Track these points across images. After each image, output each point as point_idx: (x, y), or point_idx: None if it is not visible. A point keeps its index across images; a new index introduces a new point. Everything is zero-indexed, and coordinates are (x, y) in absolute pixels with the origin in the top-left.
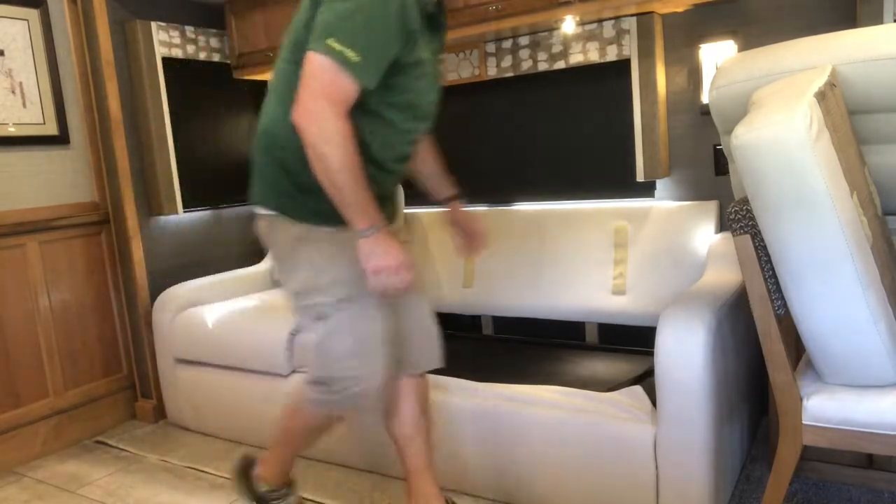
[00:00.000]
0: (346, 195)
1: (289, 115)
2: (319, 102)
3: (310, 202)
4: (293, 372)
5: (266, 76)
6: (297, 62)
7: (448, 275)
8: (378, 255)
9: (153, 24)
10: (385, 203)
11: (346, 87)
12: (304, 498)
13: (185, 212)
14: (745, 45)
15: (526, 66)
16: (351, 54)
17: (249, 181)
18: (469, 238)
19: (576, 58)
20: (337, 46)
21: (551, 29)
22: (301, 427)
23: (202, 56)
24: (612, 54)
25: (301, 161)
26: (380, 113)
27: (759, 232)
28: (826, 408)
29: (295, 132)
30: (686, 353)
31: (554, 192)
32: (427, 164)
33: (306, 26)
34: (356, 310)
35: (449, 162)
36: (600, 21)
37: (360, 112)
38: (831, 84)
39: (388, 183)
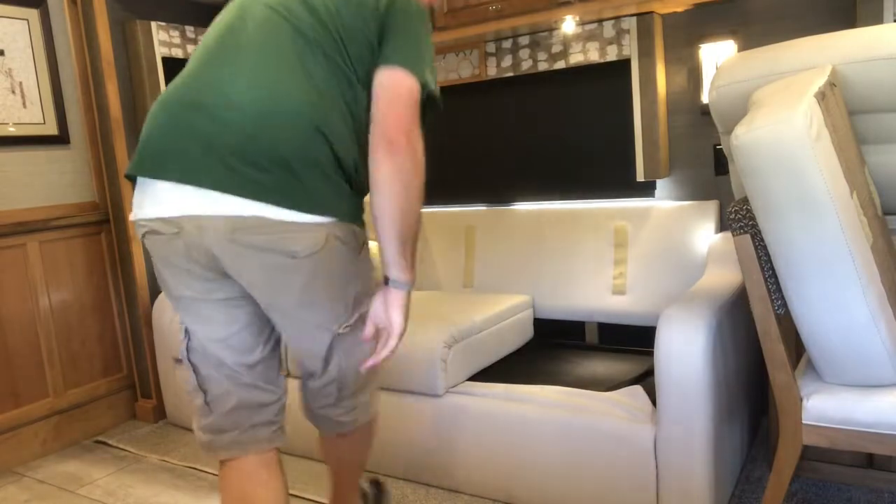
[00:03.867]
0: (414, 235)
1: (327, 100)
2: (416, 131)
3: (358, 201)
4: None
5: None
6: (332, 42)
7: (448, 275)
8: (405, 315)
9: (153, 24)
10: None
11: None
12: (304, 498)
13: None
14: (745, 45)
15: (526, 65)
16: (435, 91)
17: (276, 184)
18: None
19: (576, 58)
20: (431, 82)
21: (551, 29)
22: (365, 450)
23: None
24: (612, 54)
25: (352, 155)
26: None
27: (759, 232)
28: (826, 408)
29: (342, 122)
30: (686, 353)
31: (554, 192)
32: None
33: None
34: None
35: (448, 162)
36: (600, 21)
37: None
38: (831, 84)
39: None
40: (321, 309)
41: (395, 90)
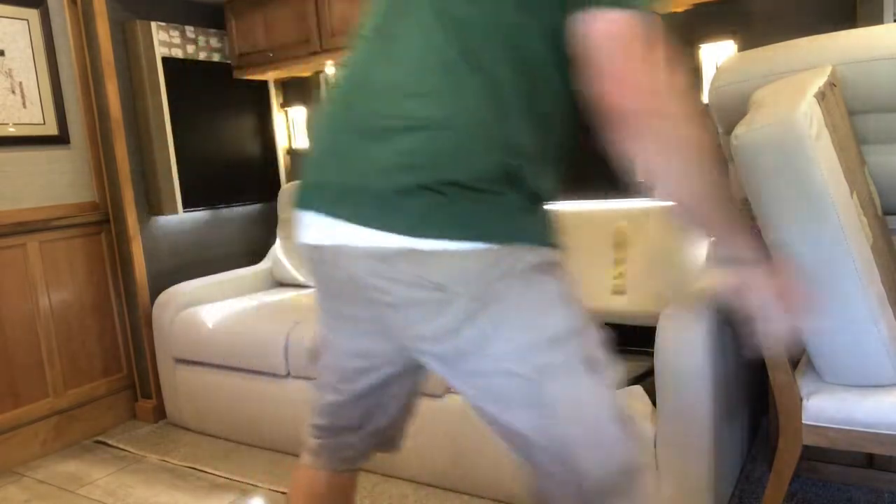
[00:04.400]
0: (715, 197)
1: (511, 96)
2: (652, 77)
3: (543, 215)
4: (289, 375)
5: (266, 76)
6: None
7: None
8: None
9: (153, 24)
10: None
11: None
12: None
13: (185, 212)
14: (745, 45)
15: None
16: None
17: (409, 209)
18: None
19: None
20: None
21: None
22: None
23: (202, 56)
24: None
25: (541, 158)
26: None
27: (759, 232)
28: (826, 408)
29: (538, 118)
30: (686, 353)
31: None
32: None
33: None
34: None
35: None
36: None
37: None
38: (831, 84)
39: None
40: (495, 345)
41: (606, 45)
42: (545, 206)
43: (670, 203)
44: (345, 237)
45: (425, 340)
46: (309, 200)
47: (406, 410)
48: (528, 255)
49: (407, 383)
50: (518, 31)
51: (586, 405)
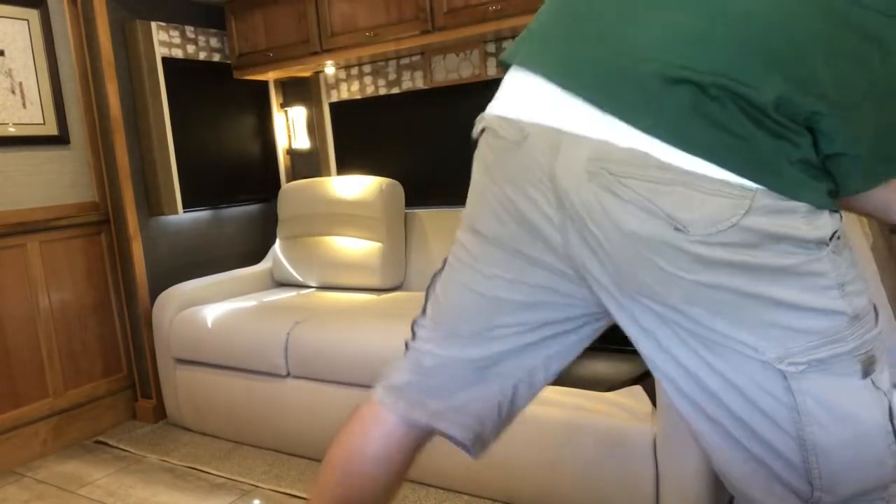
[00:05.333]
0: None
1: None
2: None
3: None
4: (288, 375)
5: (266, 76)
6: None
7: None
8: None
9: (153, 24)
10: None
11: None
12: (304, 498)
13: (185, 212)
14: None
15: None
16: None
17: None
18: None
19: None
20: None
21: None
22: None
23: (202, 56)
24: None
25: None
26: None
27: None
28: None
29: None
30: None
31: None
32: None
33: None
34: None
35: (449, 162)
36: None
37: None
38: None
39: None
40: (744, 323)
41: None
42: None
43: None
44: None
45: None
46: None
47: (528, 397)
48: None
49: (563, 355)
50: None
51: (855, 412)
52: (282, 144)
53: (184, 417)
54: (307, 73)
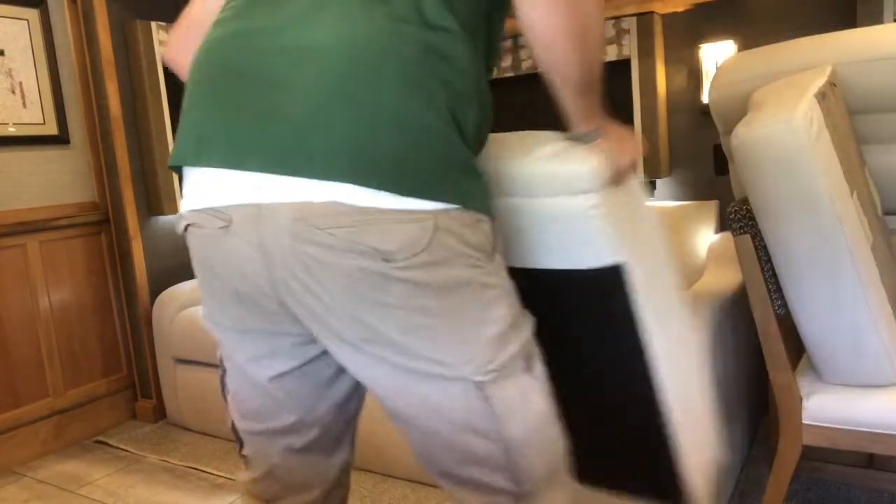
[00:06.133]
0: (598, 69)
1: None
2: None
3: (482, 177)
4: None
5: None
6: None
7: None
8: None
9: (153, 24)
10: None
11: None
12: None
13: None
14: (745, 45)
15: (526, 65)
16: None
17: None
18: None
19: None
20: None
21: None
22: None
23: None
24: (612, 54)
25: (481, 102)
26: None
27: (759, 232)
28: (826, 407)
29: (465, 52)
30: (685, 353)
31: None
32: None
33: None
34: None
35: None
36: None
37: (486, 35)
38: (831, 84)
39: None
40: (441, 344)
41: None
42: None
43: (555, 77)
44: None
45: None
46: None
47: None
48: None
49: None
50: None
51: (530, 411)
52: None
53: (184, 417)
54: None
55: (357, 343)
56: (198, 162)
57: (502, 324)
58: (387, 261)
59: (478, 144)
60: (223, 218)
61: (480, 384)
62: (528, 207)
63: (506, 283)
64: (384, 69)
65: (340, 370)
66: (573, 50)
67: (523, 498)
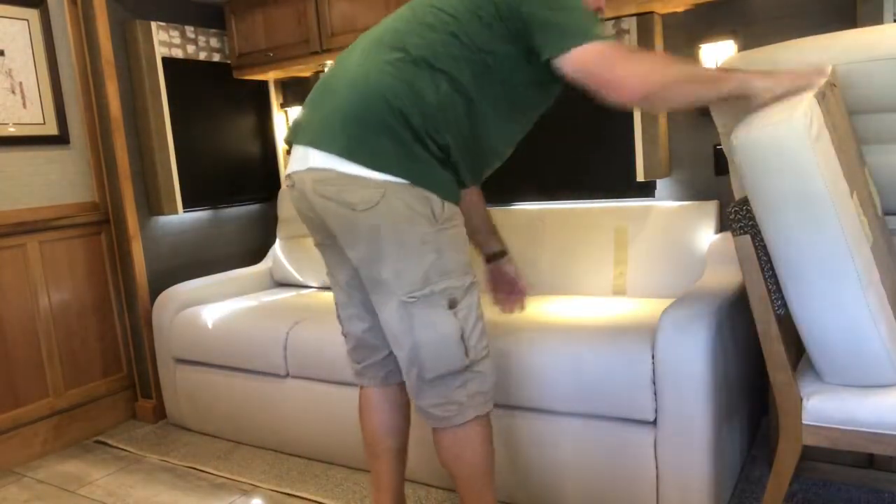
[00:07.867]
0: (713, 86)
1: (426, 74)
2: (620, 70)
3: (444, 175)
4: (288, 376)
5: (266, 76)
6: (456, 35)
7: None
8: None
9: (153, 24)
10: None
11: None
12: (304, 497)
13: (185, 212)
14: (745, 45)
15: None
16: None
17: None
18: (511, 295)
19: None
20: (594, 29)
21: None
22: (472, 460)
23: (202, 56)
24: None
25: (437, 126)
26: (492, 109)
27: (759, 232)
28: (826, 408)
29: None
30: (686, 353)
31: (554, 192)
32: (478, 212)
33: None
34: (478, 293)
35: None
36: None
37: (486, 99)
38: (831, 84)
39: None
40: (386, 268)
41: (592, 67)
42: None
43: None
44: None
45: None
46: None
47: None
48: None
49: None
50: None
51: (438, 326)
52: (282, 144)
53: (184, 417)
54: (307, 73)
55: (352, 254)
56: (294, 140)
57: (428, 267)
58: (353, 210)
59: (463, 152)
60: (291, 179)
61: (404, 303)
62: None
63: (442, 244)
64: (370, 95)
65: None
66: (688, 104)
67: (426, 383)
